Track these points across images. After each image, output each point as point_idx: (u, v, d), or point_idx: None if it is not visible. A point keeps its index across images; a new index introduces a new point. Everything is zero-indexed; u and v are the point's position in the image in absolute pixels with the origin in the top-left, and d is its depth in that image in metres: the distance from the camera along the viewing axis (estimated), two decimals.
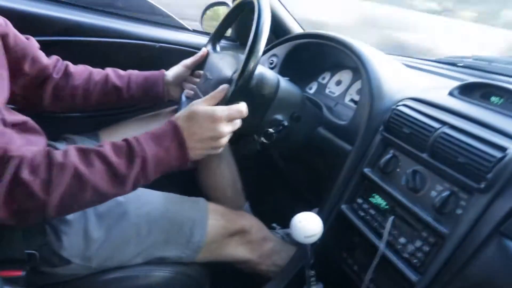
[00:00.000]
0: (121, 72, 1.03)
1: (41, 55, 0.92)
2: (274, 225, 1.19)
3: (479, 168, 0.61)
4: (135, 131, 1.01)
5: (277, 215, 1.20)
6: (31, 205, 0.61)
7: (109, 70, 1.02)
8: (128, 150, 0.67)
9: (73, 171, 0.63)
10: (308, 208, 1.19)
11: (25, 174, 0.60)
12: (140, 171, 0.67)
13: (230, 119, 0.73)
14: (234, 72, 0.88)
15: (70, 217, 0.77)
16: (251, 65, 0.78)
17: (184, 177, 1.08)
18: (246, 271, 1.01)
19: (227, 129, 0.73)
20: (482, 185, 0.61)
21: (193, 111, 0.72)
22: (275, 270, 0.99)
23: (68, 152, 0.65)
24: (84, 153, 0.66)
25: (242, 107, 0.74)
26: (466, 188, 0.64)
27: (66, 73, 0.96)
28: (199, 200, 0.95)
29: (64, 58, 0.99)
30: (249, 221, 1.00)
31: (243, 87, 0.79)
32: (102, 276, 0.84)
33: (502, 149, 0.60)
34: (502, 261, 0.55)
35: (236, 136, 0.79)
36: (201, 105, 0.73)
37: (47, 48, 0.94)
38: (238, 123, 0.76)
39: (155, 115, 1.14)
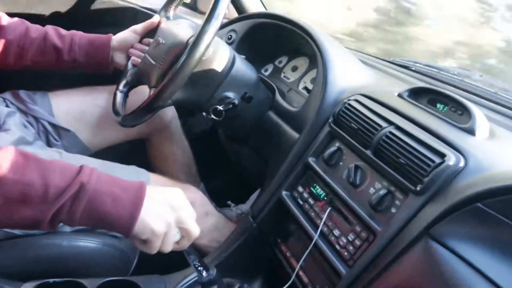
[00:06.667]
0: (63, 31, 0.94)
1: None
2: (229, 202, 1.18)
3: (418, 171, 0.63)
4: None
5: (228, 194, 1.20)
6: None
7: (49, 28, 0.93)
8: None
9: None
10: (250, 190, 1.19)
11: None
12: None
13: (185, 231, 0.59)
14: (191, 37, 0.83)
15: None
16: (211, 29, 0.74)
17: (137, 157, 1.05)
18: None
19: (172, 234, 0.58)
20: (418, 188, 0.62)
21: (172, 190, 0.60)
22: (215, 246, 0.97)
23: None
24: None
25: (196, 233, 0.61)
26: (403, 188, 0.66)
27: None
28: (140, 171, 0.90)
29: None
30: (192, 195, 0.96)
31: (200, 55, 0.75)
32: (24, 241, 0.78)
33: (441, 155, 0.62)
34: (427, 262, 0.57)
35: (187, 112, 0.75)
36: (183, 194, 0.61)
37: None
38: (172, 242, 0.59)
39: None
